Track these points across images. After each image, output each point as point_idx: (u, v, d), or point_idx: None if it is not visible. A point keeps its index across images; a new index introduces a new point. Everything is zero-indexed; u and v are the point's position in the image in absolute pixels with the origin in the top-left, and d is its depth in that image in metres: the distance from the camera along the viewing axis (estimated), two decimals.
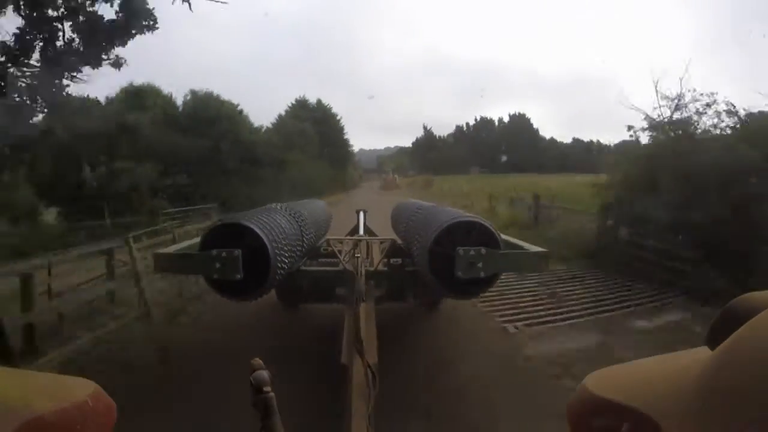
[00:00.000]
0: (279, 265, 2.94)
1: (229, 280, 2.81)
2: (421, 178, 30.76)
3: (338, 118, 25.42)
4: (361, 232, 5.64)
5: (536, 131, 37.69)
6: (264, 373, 0.98)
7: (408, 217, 4.30)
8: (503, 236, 3.12)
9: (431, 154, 39.47)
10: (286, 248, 3.12)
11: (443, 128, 41.45)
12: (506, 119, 39.67)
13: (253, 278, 2.85)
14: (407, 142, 45.75)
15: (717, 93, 9.50)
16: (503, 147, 37.20)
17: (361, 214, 6.02)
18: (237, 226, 2.89)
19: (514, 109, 39.16)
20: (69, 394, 0.51)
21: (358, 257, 3.76)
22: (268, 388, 0.97)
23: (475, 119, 40.35)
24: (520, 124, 38.43)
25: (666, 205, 7.51)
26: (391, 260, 4.21)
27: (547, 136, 37.33)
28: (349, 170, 27.99)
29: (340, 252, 4.42)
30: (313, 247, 4.49)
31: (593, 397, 0.48)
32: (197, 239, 3.29)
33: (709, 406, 0.36)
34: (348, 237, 5.36)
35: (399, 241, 4.63)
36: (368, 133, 55.96)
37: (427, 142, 41.55)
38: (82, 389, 0.53)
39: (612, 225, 9.10)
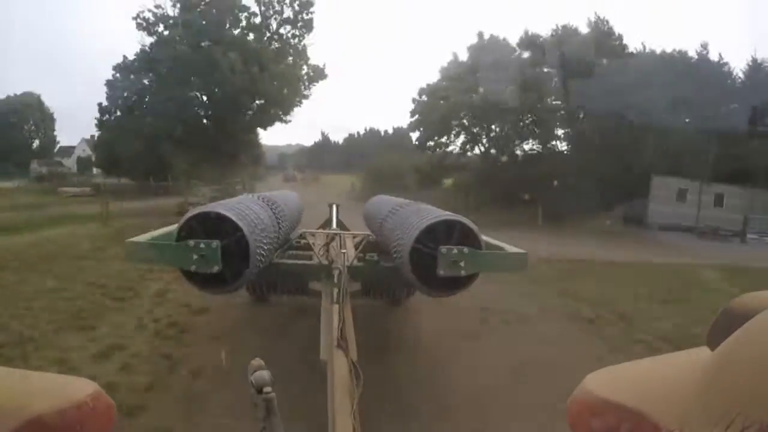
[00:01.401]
0: (258, 257, 2.81)
1: (205, 273, 2.66)
2: (311, 176, 37.85)
3: None
4: (334, 225, 5.62)
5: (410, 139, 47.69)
6: (264, 374, 0.98)
7: (385, 213, 4.14)
8: (484, 237, 3.07)
9: (326, 155, 47.76)
10: (264, 239, 3.00)
11: (342, 131, 49.04)
12: (391, 131, 49.03)
13: (231, 270, 2.70)
14: (309, 139, 51.75)
15: None
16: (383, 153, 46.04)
17: (334, 207, 5.96)
18: (215, 216, 2.72)
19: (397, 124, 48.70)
20: (69, 394, 0.50)
21: (343, 252, 3.70)
22: (268, 389, 0.97)
23: (365, 129, 49.42)
24: (400, 134, 47.59)
25: None
26: (367, 256, 4.13)
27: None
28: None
29: (314, 245, 4.36)
30: (288, 239, 4.41)
31: (593, 397, 0.47)
32: (172, 227, 3.00)
33: (709, 406, 0.35)
34: (322, 230, 5.30)
35: (373, 237, 4.58)
36: (270, 129, 60.85)
37: (324, 145, 49.80)
38: (82, 389, 0.52)
39: None
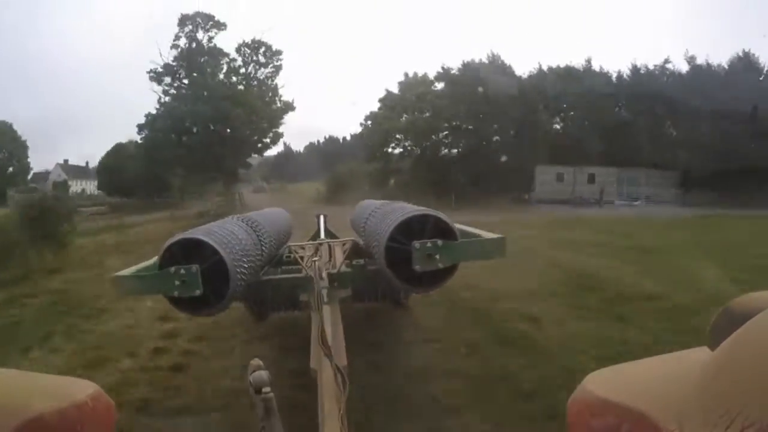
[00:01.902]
0: (239, 277, 2.90)
1: (188, 297, 2.75)
2: (278, 186, 42.78)
3: None
4: (322, 235, 5.68)
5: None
6: (263, 374, 1.01)
7: (367, 216, 4.13)
8: (459, 226, 3.08)
9: (290, 165, 53.12)
10: (245, 259, 3.09)
11: (302, 138, 54.28)
12: (349, 137, 54.49)
13: (213, 293, 2.79)
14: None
15: None
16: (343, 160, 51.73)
17: (322, 218, 6.14)
18: (193, 242, 2.82)
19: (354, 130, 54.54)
20: (69, 394, 0.51)
21: (315, 260, 3.69)
22: (267, 389, 1.00)
23: (325, 137, 55.43)
24: (357, 140, 53.42)
25: None
26: (354, 261, 4.20)
27: None
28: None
29: (302, 258, 4.39)
30: (275, 255, 4.45)
31: (593, 397, 0.48)
32: (154, 259, 3.08)
33: (709, 406, 0.35)
34: (309, 242, 5.40)
35: (360, 242, 4.58)
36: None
37: (287, 155, 55.14)
38: (82, 389, 0.53)
39: None
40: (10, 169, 46.12)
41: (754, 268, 7.04)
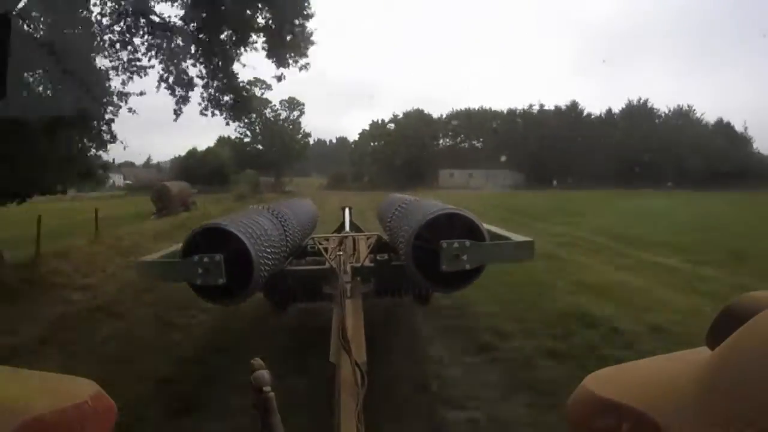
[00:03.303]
0: (262, 267, 2.91)
1: (211, 285, 2.77)
2: (287, 179, 54.29)
3: None
4: (347, 228, 5.72)
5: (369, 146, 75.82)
6: (264, 373, 1.01)
7: (393, 211, 4.13)
8: (486, 226, 3.05)
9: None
10: (269, 250, 3.09)
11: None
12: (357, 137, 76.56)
13: (236, 282, 2.81)
14: None
15: None
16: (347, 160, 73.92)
17: (347, 211, 6.15)
18: (218, 231, 2.83)
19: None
20: (69, 394, 0.51)
21: (340, 254, 3.71)
22: (268, 388, 0.99)
23: (336, 138, 78.03)
24: (343, 143, 74.89)
25: None
26: (378, 256, 4.21)
27: None
28: None
29: (326, 250, 4.42)
30: (299, 246, 4.44)
31: (593, 397, 0.48)
32: (178, 246, 3.12)
33: (709, 406, 0.36)
34: (334, 234, 5.38)
35: (385, 237, 4.59)
36: None
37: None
38: (82, 389, 0.53)
39: None
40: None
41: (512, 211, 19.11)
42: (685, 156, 45.27)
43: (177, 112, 8.93)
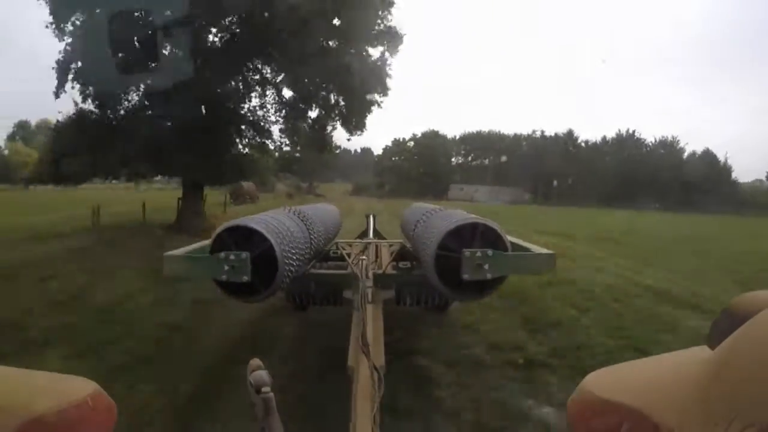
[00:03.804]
0: (287, 267, 2.95)
1: (236, 282, 2.82)
2: (313, 185, 67.28)
3: None
4: (371, 235, 5.84)
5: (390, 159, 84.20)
6: (263, 374, 1.01)
7: (416, 220, 4.15)
8: (509, 237, 3.04)
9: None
10: (294, 251, 3.12)
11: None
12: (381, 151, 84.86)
13: (261, 280, 2.86)
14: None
15: None
16: (370, 170, 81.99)
17: (371, 218, 6.29)
18: (245, 229, 2.88)
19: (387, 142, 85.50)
20: (69, 394, 0.51)
21: (363, 260, 3.70)
22: (267, 388, 0.99)
23: (360, 148, 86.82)
24: (366, 153, 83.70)
25: None
26: (400, 263, 4.28)
27: None
28: None
29: (348, 255, 4.46)
30: (322, 250, 4.48)
31: (593, 397, 0.48)
32: (206, 241, 3.17)
33: (709, 406, 0.36)
34: (357, 240, 5.53)
35: (408, 245, 4.60)
36: None
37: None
38: (82, 389, 0.53)
39: None
40: None
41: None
42: (668, 181, 52.15)
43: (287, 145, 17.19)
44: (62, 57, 12.89)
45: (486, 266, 2.79)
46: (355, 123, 15.81)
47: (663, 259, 11.81)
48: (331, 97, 15.59)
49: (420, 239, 3.59)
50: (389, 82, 15.32)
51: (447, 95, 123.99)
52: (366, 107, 15.61)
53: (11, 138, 63.03)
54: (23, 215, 18.29)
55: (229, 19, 13.43)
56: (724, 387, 0.36)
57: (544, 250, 3.18)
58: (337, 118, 16.00)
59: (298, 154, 27.86)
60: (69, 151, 12.93)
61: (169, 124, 13.54)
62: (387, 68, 15.11)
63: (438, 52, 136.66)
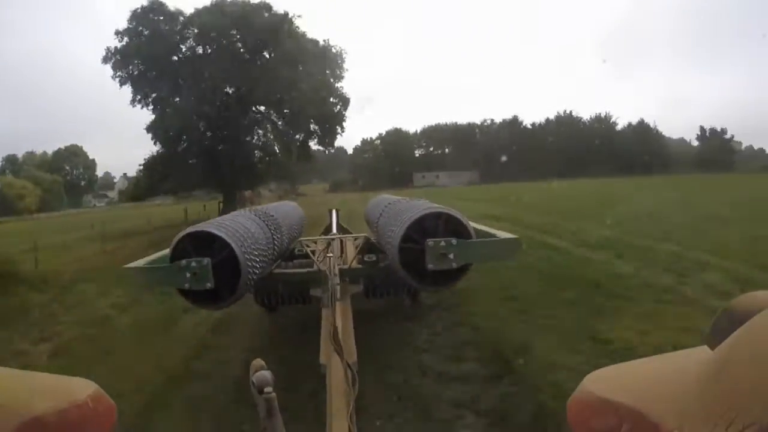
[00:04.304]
0: (250, 270, 2.89)
1: (200, 290, 2.75)
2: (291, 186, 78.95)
3: None
4: (334, 230, 5.74)
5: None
6: (266, 374, 1.01)
7: (380, 212, 4.15)
8: (474, 225, 3.05)
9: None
10: (256, 253, 3.07)
11: None
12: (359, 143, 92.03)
13: (224, 286, 2.80)
14: None
15: None
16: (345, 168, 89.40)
17: (334, 213, 6.18)
18: (205, 235, 2.82)
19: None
20: (69, 394, 0.51)
21: (330, 256, 3.65)
22: (269, 389, 0.99)
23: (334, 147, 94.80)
24: (339, 151, 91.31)
25: None
26: (366, 257, 4.22)
27: None
28: None
29: (313, 252, 4.43)
30: (286, 249, 4.42)
31: (593, 397, 0.48)
32: (166, 250, 3.05)
33: (709, 406, 0.36)
34: (321, 237, 5.40)
35: (373, 238, 4.59)
36: None
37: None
38: (82, 389, 0.53)
39: None
40: (82, 182, 64.96)
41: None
42: (601, 151, 61.37)
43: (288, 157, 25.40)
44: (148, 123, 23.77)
45: (451, 255, 2.79)
46: (327, 141, 26.61)
47: (521, 208, 19.67)
48: (310, 126, 25.55)
49: (384, 231, 3.58)
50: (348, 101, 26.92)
51: (410, 90, 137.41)
52: (334, 131, 25.99)
53: (1, 172, 65.65)
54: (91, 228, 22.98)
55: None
56: (724, 387, 0.36)
57: (509, 235, 3.19)
58: (315, 137, 26.03)
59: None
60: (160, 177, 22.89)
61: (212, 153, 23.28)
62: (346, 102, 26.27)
63: (398, 50, 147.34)
